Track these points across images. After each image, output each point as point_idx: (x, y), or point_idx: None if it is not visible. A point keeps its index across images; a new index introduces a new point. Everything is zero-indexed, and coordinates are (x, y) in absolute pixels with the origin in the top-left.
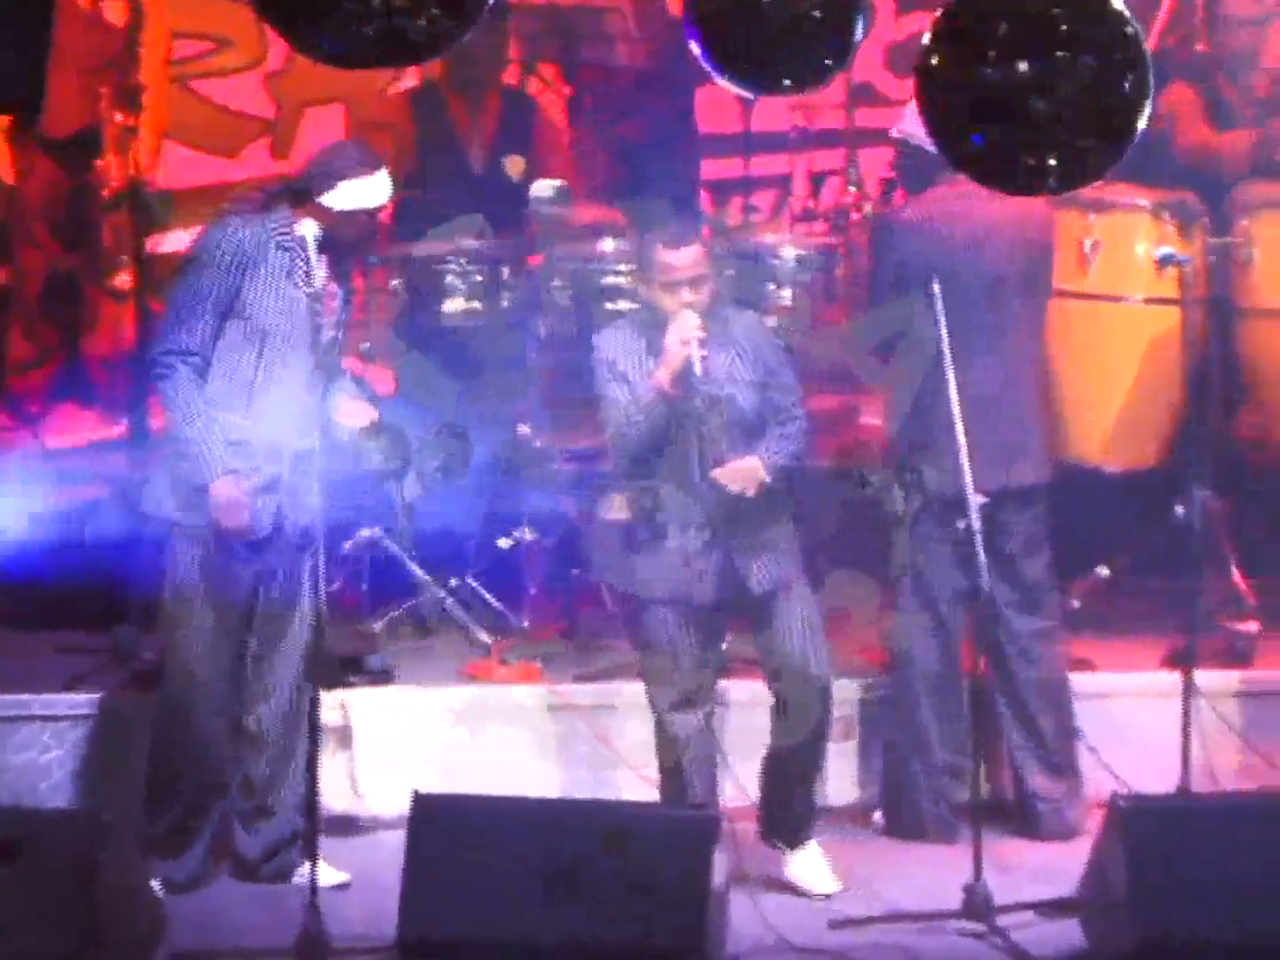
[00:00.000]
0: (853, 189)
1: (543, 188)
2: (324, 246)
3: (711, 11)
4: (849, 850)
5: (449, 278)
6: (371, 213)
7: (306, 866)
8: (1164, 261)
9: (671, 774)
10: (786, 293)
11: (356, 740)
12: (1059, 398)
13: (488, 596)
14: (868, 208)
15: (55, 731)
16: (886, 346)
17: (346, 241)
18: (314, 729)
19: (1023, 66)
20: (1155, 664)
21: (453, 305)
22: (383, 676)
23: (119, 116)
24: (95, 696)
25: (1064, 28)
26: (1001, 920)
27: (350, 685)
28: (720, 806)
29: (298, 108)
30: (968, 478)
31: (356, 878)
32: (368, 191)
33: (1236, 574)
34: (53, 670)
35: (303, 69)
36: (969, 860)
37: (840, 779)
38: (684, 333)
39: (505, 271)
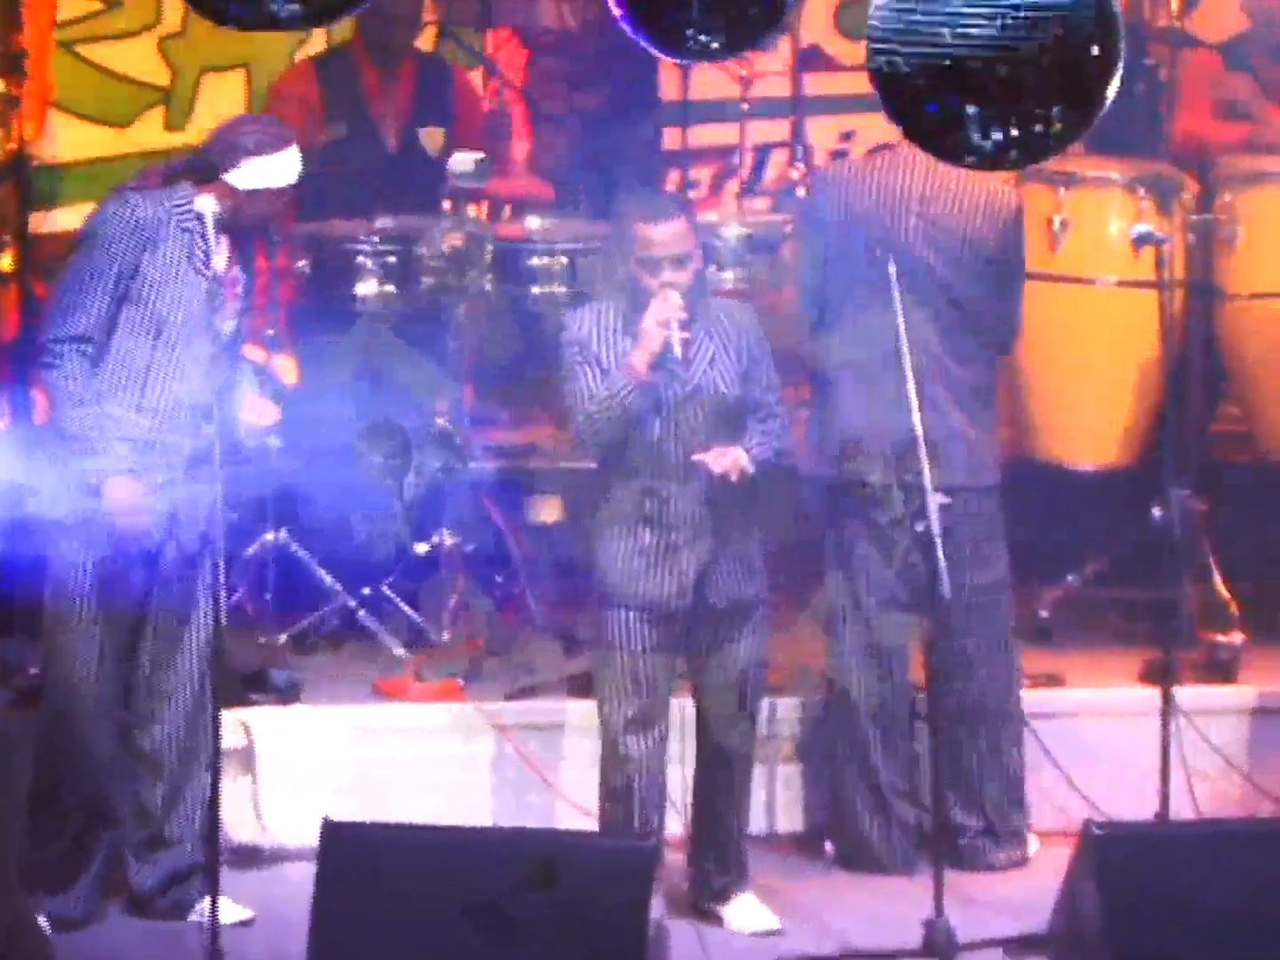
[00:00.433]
0: (800, 163)
1: (462, 161)
2: (226, 227)
3: None
4: (798, 882)
5: (360, 259)
6: (279, 192)
7: (206, 902)
8: (1140, 240)
9: (617, 799)
10: (729, 275)
11: (260, 763)
12: (1024, 390)
13: (404, 606)
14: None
15: None
16: (818, 323)
17: (251, 222)
18: (214, 751)
19: (981, 29)
20: (1131, 679)
21: (365, 289)
22: (289, 694)
23: (0, 84)
24: None
25: None
26: (965, 959)
27: (253, 703)
28: (664, 835)
29: (195, 74)
30: (927, 476)
31: (260, 914)
32: (276, 169)
33: (1219, 581)
34: None
35: (201, 32)
36: (929, 893)
37: (787, 805)
38: (664, 314)
39: (422, 252)
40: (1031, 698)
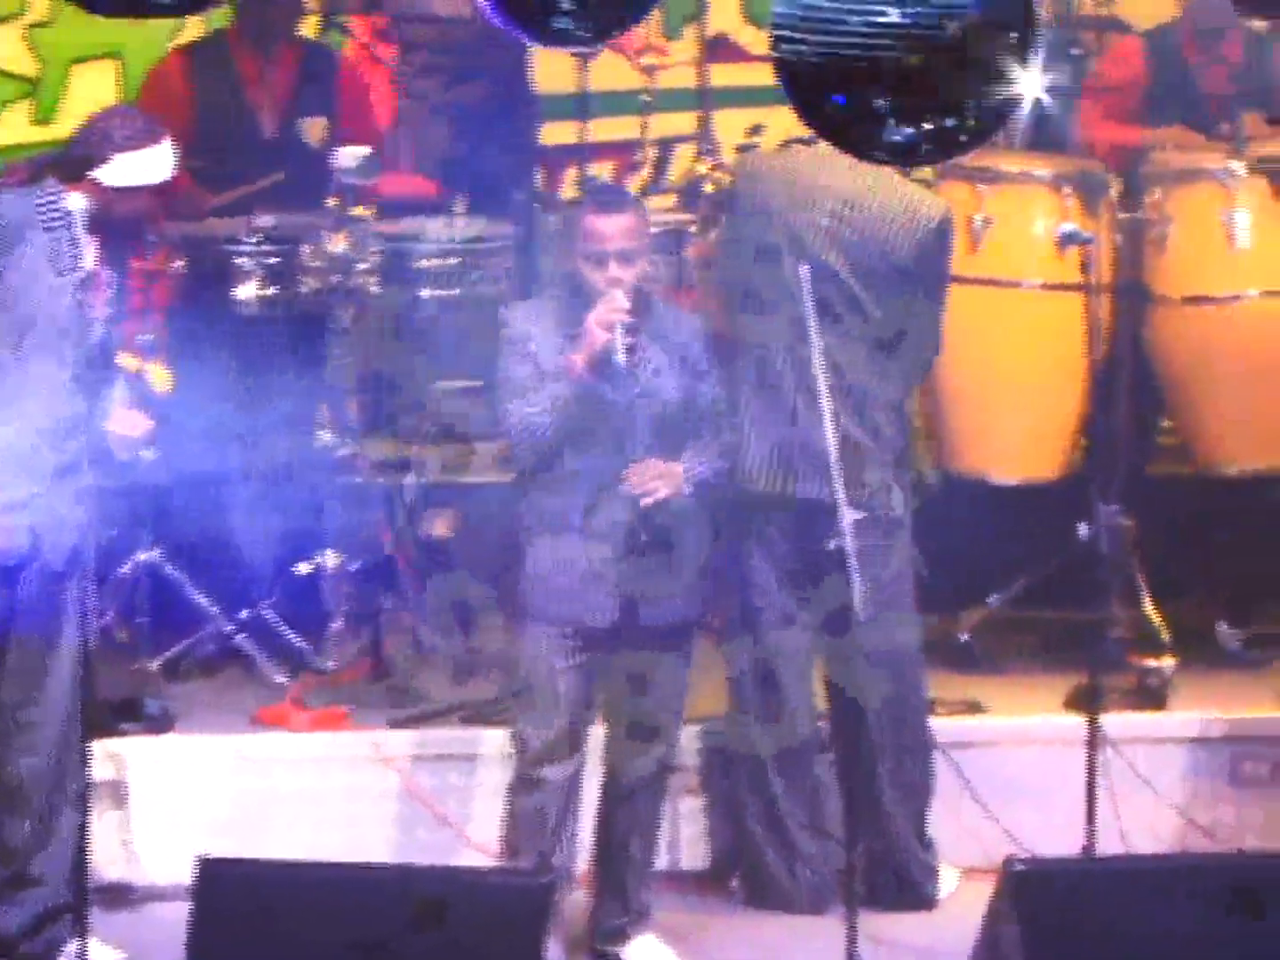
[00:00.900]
0: (706, 158)
1: (348, 156)
2: (96, 227)
3: None
4: (703, 922)
5: (240, 260)
6: (153, 189)
7: (75, 944)
8: (1065, 240)
9: (521, 834)
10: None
11: (132, 797)
12: (943, 400)
13: (284, 630)
14: (722, 178)
15: None
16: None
17: (123, 221)
18: (82, 784)
19: (891, 17)
20: (1056, 706)
21: (244, 291)
22: (162, 723)
23: None
24: None
25: None
26: None
27: (124, 733)
28: (571, 872)
29: (64, 65)
30: (840, 490)
31: (132, 956)
32: (149, 165)
33: (1149, 603)
34: None
35: (70, 21)
36: (841, 933)
37: (691, 840)
38: (608, 314)
39: (304, 253)
40: (950, 726)
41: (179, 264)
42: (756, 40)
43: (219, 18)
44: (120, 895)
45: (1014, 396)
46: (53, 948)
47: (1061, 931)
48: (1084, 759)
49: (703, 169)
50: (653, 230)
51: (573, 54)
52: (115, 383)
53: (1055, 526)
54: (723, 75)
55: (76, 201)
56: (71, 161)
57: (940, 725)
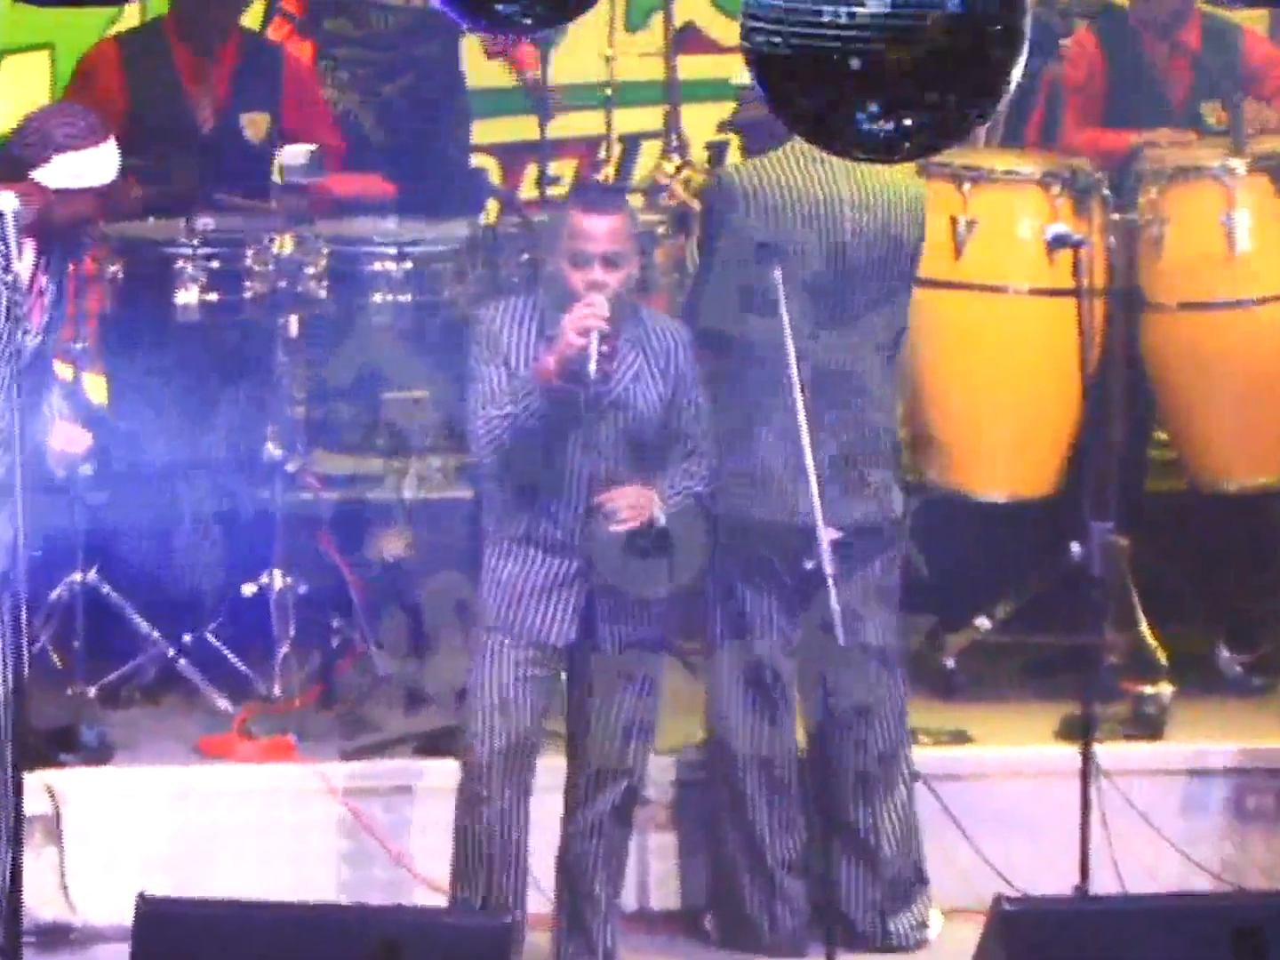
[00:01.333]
0: (674, 155)
1: (293, 154)
2: (33, 230)
3: None
4: None
5: (180, 263)
6: (95, 191)
7: None
8: (1055, 243)
9: (471, 869)
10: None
11: (67, 832)
12: (926, 411)
13: (229, 655)
14: (692, 176)
15: None
16: (715, 340)
17: (63, 225)
18: (14, 819)
19: (870, 7)
20: (1047, 736)
21: (184, 297)
22: (100, 753)
23: None
24: None
25: None
26: None
27: (60, 764)
28: (524, 912)
29: None
30: (818, 508)
31: None
32: (91, 165)
33: (1145, 626)
34: None
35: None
36: None
37: (661, 878)
38: (585, 321)
39: (248, 256)
40: (936, 757)
41: (115, 268)
42: (726, 31)
43: (157, 5)
44: (56, 937)
45: (1001, 409)
46: None
47: None
48: (1077, 792)
49: (670, 167)
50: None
51: (534, 44)
52: (50, 394)
53: (1045, 546)
54: (691, 68)
55: (8, 202)
56: (8, 162)
57: (925, 756)
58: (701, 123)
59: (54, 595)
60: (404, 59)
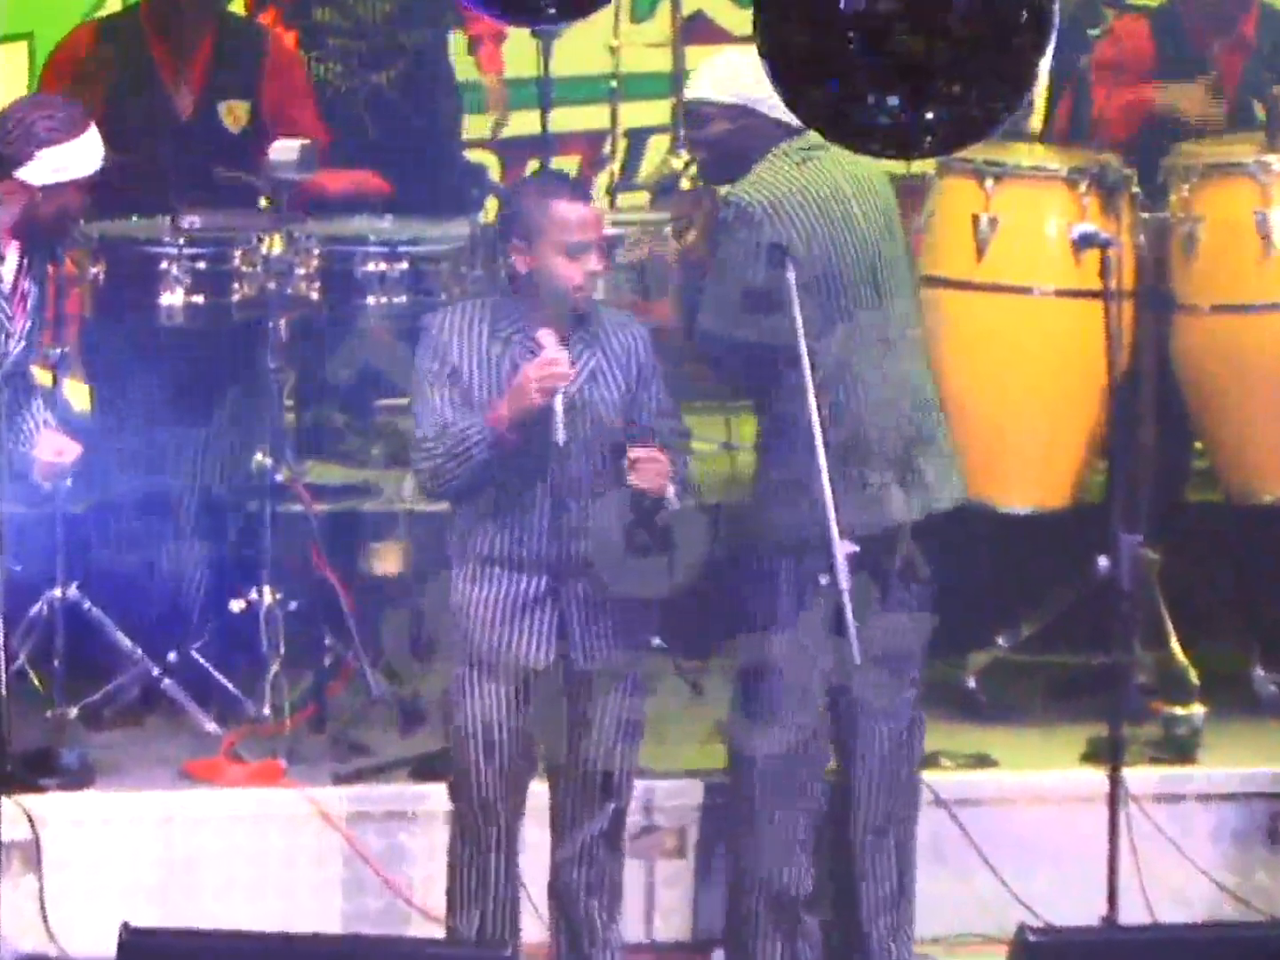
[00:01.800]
0: (682, 150)
1: (283, 149)
2: (16, 231)
3: None
4: None
5: (164, 264)
6: (79, 185)
7: None
8: (1082, 243)
9: (465, 899)
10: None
11: (47, 859)
12: (948, 418)
13: (216, 674)
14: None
15: None
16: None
17: (48, 223)
18: None
19: None
20: (1073, 760)
21: (170, 299)
22: (81, 777)
23: None
24: None
25: None
26: None
27: (39, 789)
28: (521, 942)
29: None
30: (833, 521)
31: None
32: (76, 158)
33: (1175, 644)
34: None
35: None
36: None
37: (669, 908)
38: (548, 377)
39: (236, 256)
40: (957, 781)
41: (96, 269)
42: (736, 20)
43: None
44: None
45: (1024, 416)
46: None
47: None
48: (1104, 818)
49: (678, 163)
50: (623, 232)
51: (534, 34)
52: (35, 402)
53: (1071, 559)
54: (700, 58)
55: None
56: None
57: (946, 780)
58: None
59: (33, 611)
60: (393, 47)
